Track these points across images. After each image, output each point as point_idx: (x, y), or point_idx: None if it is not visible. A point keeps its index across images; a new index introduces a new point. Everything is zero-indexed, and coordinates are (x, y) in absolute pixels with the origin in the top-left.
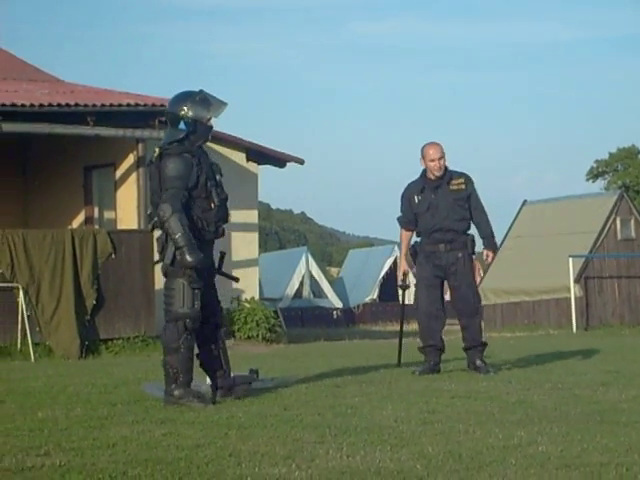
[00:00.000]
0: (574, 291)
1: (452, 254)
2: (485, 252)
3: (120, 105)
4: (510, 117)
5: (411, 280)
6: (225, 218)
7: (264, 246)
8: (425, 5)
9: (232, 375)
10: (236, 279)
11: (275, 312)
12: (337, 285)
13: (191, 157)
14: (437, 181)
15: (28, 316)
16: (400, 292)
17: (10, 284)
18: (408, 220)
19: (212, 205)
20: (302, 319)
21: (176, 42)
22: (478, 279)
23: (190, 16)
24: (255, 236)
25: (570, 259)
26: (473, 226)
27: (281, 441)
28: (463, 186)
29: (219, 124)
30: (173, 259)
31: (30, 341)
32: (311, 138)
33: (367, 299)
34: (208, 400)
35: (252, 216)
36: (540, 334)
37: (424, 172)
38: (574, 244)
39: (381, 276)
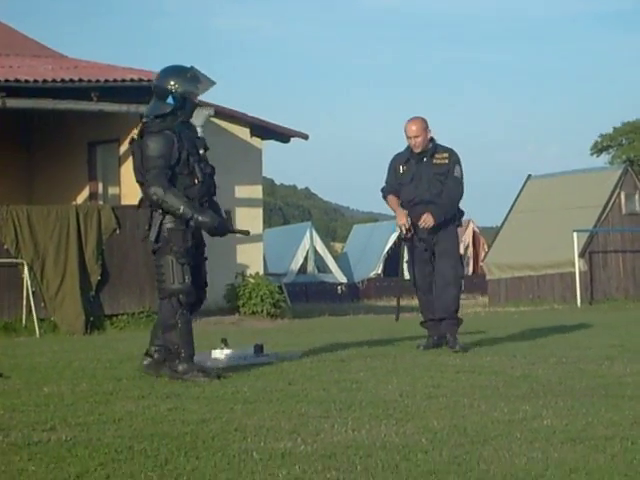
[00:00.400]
0: (578, 265)
1: (434, 226)
2: (425, 215)
3: (124, 80)
4: (515, 91)
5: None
6: (211, 192)
7: (268, 221)
8: None
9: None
10: (246, 232)
11: (279, 287)
12: (341, 260)
13: (172, 134)
14: (421, 154)
15: (33, 292)
16: (406, 246)
17: (15, 260)
18: (393, 189)
19: (196, 181)
20: (306, 294)
21: (180, 17)
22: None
23: None
24: (259, 211)
25: (574, 233)
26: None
27: (286, 416)
28: (446, 160)
29: (223, 99)
30: (157, 236)
31: (35, 317)
32: (316, 113)
33: (371, 274)
34: (213, 374)
35: (256, 191)
36: (544, 309)
37: (409, 145)
38: (578, 218)
39: (385, 251)
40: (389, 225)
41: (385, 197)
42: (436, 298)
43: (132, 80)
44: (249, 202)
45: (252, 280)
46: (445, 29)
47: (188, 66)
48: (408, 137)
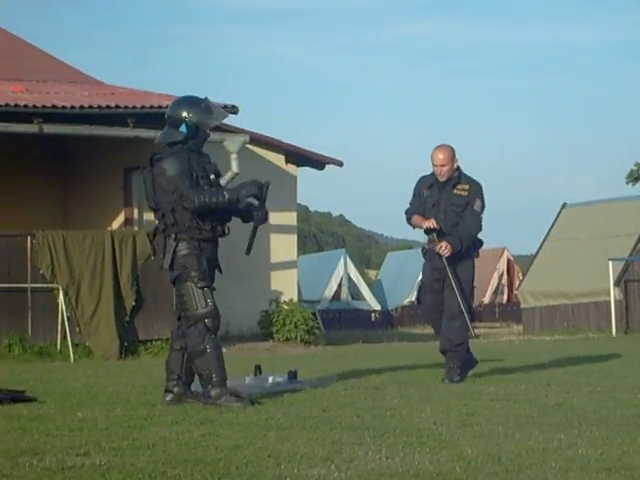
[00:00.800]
0: (614, 294)
1: (447, 257)
2: (443, 242)
3: (160, 107)
4: (551, 120)
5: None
6: (225, 217)
7: (302, 248)
8: (458, 7)
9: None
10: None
11: (313, 314)
12: (375, 287)
13: (185, 155)
14: (445, 182)
15: (68, 317)
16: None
17: (50, 285)
18: (418, 211)
19: None
20: (340, 321)
21: (213, 45)
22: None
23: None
24: (294, 238)
25: (610, 262)
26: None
27: (320, 442)
28: (466, 192)
29: (258, 126)
30: (172, 263)
31: (70, 342)
32: (350, 140)
33: (405, 301)
34: (246, 400)
35: (291, 218)
36: (579, 337)
37: None
38: (614, 247)
39: (420, 279)
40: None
41: (409, 219)
42: (443, 329)
43: (167, 106)
44: (284, 229)
45: (286, 307)
46: (478, 57)
47: (202, 97)
48: (434, 165)
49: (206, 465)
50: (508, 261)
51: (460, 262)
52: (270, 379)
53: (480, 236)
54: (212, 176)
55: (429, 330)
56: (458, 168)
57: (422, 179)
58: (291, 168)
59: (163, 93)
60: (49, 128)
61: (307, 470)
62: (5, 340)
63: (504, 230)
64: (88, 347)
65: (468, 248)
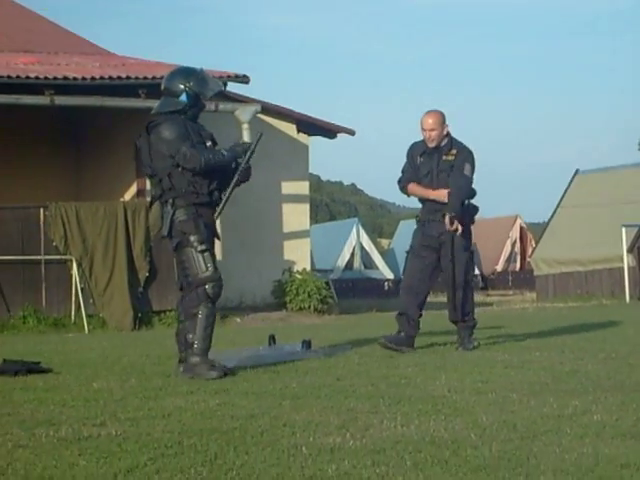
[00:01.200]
0: (627, 261)
1: (442, 224)
2: (449, 219)
3: None
4: (564, 87)
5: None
6: (223, 184)
7: (315, 218)
8: None
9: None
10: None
11: (326, 283)
12: (388, 256)
13: (181, 119)
14: (436, 149)
15: (82, 288)
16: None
17: (64, 257)
18: (412, 178)
19: None
20: (353, 290)
21: (224, 14)
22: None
23: None
24: (306, 207)
25: (623, 228)
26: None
27: (335, 411)
28: (452, 157)
29: (270, 96)
30: (170, 230)
31: (84, 313)
32: (362, 109)
33: None
34: (220, 370)
35: (303, 187)
36: (593, 304)
37: None
38: (627, 213)
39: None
40: None
41: (405, 187)
42: (448, 300)
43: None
44: (296, 198)
45: (299, 276)
46: (491, 24)
47: (198, 68)
48: (423, 129)
49: (221, 434)
50: (521, 228)
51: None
52: (284, 348)
53: (476, 202)
54: (209, 142)
55: (443, 297)
56: (448, 134)
57: (414, 145)
58: (303, 137)
59: (174, 64)
60: (60, 100)
61: (322, 438)
62: (20, 312)
63: (517, 198)
64: (102, 318)
65: (467, 214)
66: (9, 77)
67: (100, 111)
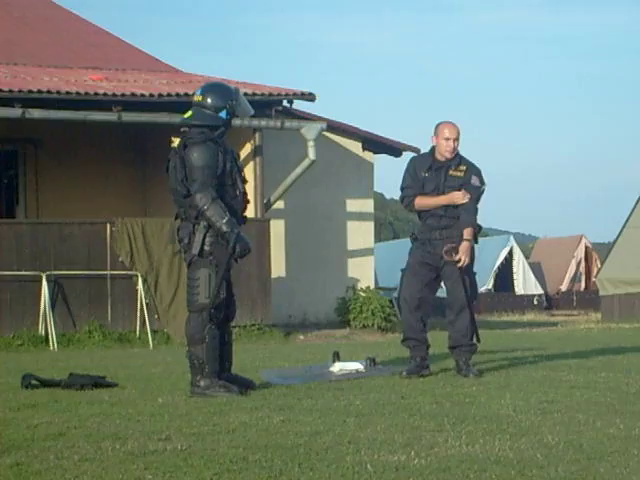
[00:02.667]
0: None
1: (447, 242)
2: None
3: None
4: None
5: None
6: (246, 206)
7: (378, 236)
8: None
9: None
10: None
11: (390, 301)
12: None
13: (215, 145)
14: (444, 162)
15: (147, 304)
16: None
17: (129, 272)
18: (416, 191)
19: (237, 192)
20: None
21: (291, 33)
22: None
23: (305, 7)
24: (371, 225)
25: None
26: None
27: (399, 429)
28: (461, 174)
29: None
30: (201, 250)
31: (149, 328)
32: (427, 127)
33: (482, 289)
34: (235, 390)
35: (368, 205)
36: None
37: (432, 150)
38: None
39: (496, 266)
40: (500, 239)
41: (412, 202)
42: (449, 323)
43: (245, 94)
44: (360, 216)
45: (363, 294)
46: (559, 42)
47: (235, 88)
48: (446, 139)
49: (286, 451)
50: (586, 248)
51: (456, 249)
52: (348, 365)
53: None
54: (240, 163)
55: (507, 317)
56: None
57: (417, 159)
58: (368, 155)
59: (241, 81)
60: (128, 116)
61: (387, 456)
62: (85, 327)
63: (582, 217)
64: (167, 334)
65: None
66: (78, 93)
67: (167, 128)
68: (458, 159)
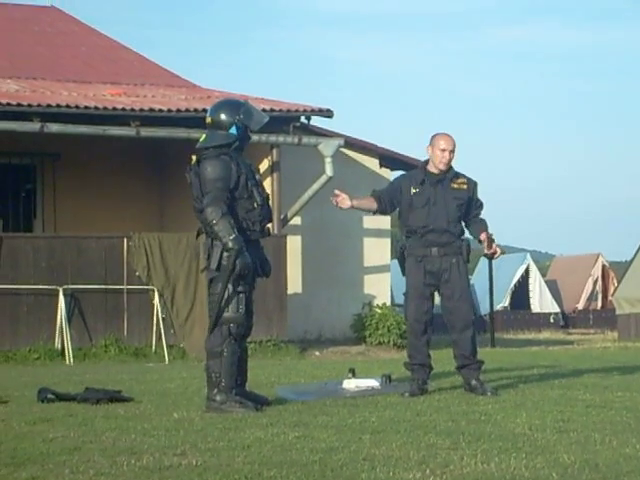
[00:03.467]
0: None
1: (445, 259)
2: (483, 234)
3: None
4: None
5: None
6: (269, 217)
7: (394, 253)
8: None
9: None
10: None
11: None
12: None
13: (229, 159)
14: (439, 175)
15: (163, 318)
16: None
17: (146, 287)
18: (383, 198)
19: (255, 205)
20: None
21: (309, 49)
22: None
23: (324, 24)
24: (387, 242)
25: None
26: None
27: (415, 446)
28: (465, 186)
29: (353, 130)
30: (219, 265)
31: (164, 343)
32: None
33: (498, 307)
34: (250, 406)
35: (385, 222)
36: None
37: (425, 164)
38: None
39: (513, 284)
40: (517, 257)
41: (370, 195)
42: (454, 343)
43: (264, 110)
44: (377, 233)
45: (379, 310)
46: (570, 61)
47: (242, 100)
48: (442, 150)
49: (301, 467)
50: (603, 267)
51: (458, 267)
52: (364, 382)
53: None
54: (257, 176)
55: (523, 335)
56: None
57: (406, 176)
58: (385, 172)
59: (259, 96)
60: (146, 131)
61: (402, 473)
62: (101, 341)
63: (598, 236)
64: (182, 349)
65: (465, 252)
66: (96, 108)
67: (185, 143)
68: (453, 172)
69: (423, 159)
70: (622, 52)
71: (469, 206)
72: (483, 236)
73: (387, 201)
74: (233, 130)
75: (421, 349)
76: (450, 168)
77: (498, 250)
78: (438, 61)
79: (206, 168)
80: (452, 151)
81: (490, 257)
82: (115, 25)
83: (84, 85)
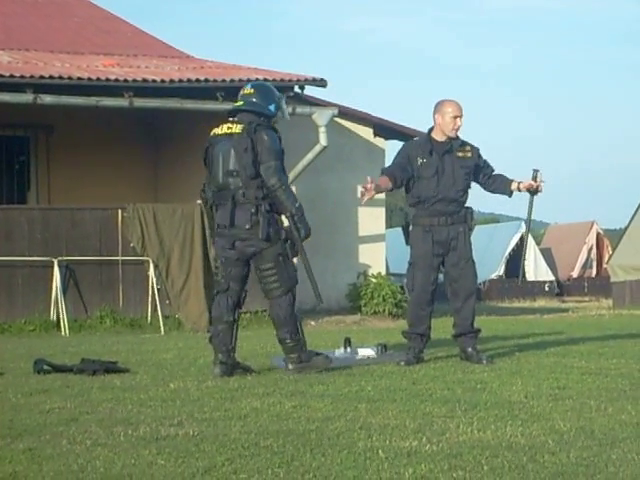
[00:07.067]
0: None
1: (453, 228)
2: (520, 183)
3: (249, 80)
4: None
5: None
6: None
7: (389, 222)
8: None
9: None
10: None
11: (401, 287)
12: None
13: (277, 133)
14: (446, 144)
15: (158, 289)
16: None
17: (141, 258)
18: (396, 175)
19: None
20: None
21: (303, 19)
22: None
23: None
24: (382, 211)
25: None
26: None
27: (411, 415)
28: (469, 154)
29: (347, 100)
30: (267, 234)
31: (160, 314)
32: None
33: (493, 275)
34: (329, 362)
35: None
36: None
37: (430, 132)
38: None
39: (507, 252)
40: (511, 226)
41: (382, 175)
42: (455, 311)
43: (257, 80)
44: (371, 202)
45: (374, 280)
46: (567, 27)
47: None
48: (454, 117)
49: (298, 436)
50: (597, 234)
51: (464, 235)
52: (360, 352)
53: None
54: None
55: (518, 304)
56: None
57: (413, 144)
58: (379, 141)
59: (252, 66)
60: (139, 102)
61: (399, 442)
62: (97, 312)
63: (593, 204)
64: (178, 319)
65: (469, 219)
66: (89, 79)
67: (178, 113)
68: (460, 141)
69: (422, 128)
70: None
71: (479, 171)
72: (514, 185)
73: (400, 176)
74: (272, 107)
75: (424, 319)
76: (457, 136)
77: (542, 184)
78: (435, 31)
79: (266, 138)
80: (462, 116)
81: (534, 192)
82: None
83: (77, 56)
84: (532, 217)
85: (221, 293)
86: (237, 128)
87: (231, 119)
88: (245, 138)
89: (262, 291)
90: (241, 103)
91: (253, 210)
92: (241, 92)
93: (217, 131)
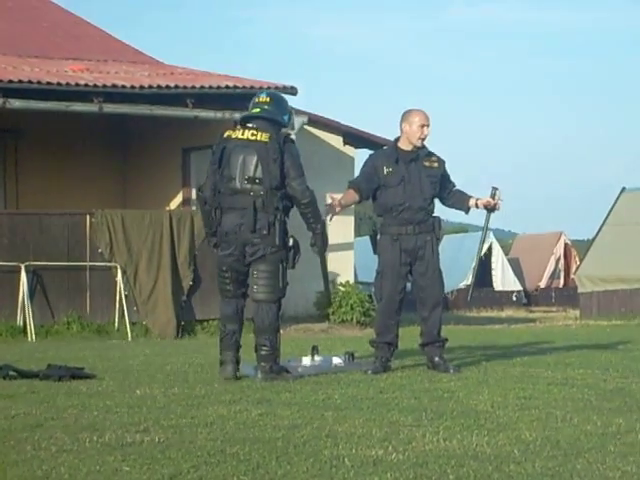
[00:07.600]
0: None
1: (420, 237)
2: (472, 200)
3: (219, 87)
4: (609, 103)
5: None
6: None
7: (358, 230)
8: None
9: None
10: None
11: (369, 296)
12: None
13: None
14: (412, 154)
15: (126, 296)
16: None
17: (109, 264)
18: (362, 187)
19: None
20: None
21: (273, 27)
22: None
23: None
24: (351, 220)
25: None
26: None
27: (377, 423)
28: (436, 164)
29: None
30: (283, 242)
31: (127, 320)
32: None
33: (461, 285)
34: (291, 376)
35: None
36: (637, 322)
37: (396, 141)
38: None
39: (474, 263)
40: (479, 235)
41: (349, 188)
42: (423, 320)
43: (227, 87)
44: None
45: (342, 288)
46: (533, 39)
47: None
48: (422, 125)
49: (264, 444)
50: (565, 245)
51: (431, 244)
52: (327, 360)
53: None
54: None
55: (485, 313)
56: None
57: (379, 154)
58: (349, 150)
59: (222, 74)
60: (109, 107)
61: (365, 450)
62: (64, 318)
63: (561, 215)
64: (145, 326)
65: (437, 228)
66: (59, 84)
67: (148, 120)
68: (426, 150)
69: (391, 137)
70: (589, 31)
71: (442, 183)
72: (472, 202)
73: (366, 188)
74: (286, 117)
75: (392, 328)
76: (423, 146)
77: (500, 202)
78: (406, 40)
79: (294, 152)
80: (430, 126)
81: (491, 210)
82: (77, 1)
83: (46, 61)
84: (487, 233)
85: (229, 298)
86: (263, 137)
87: (250, 125)
88: (276, 149)
89: (250, 294)
90: (257, 110)
91: (271, 219)
92: (255, 99)
93: (236, 134)
